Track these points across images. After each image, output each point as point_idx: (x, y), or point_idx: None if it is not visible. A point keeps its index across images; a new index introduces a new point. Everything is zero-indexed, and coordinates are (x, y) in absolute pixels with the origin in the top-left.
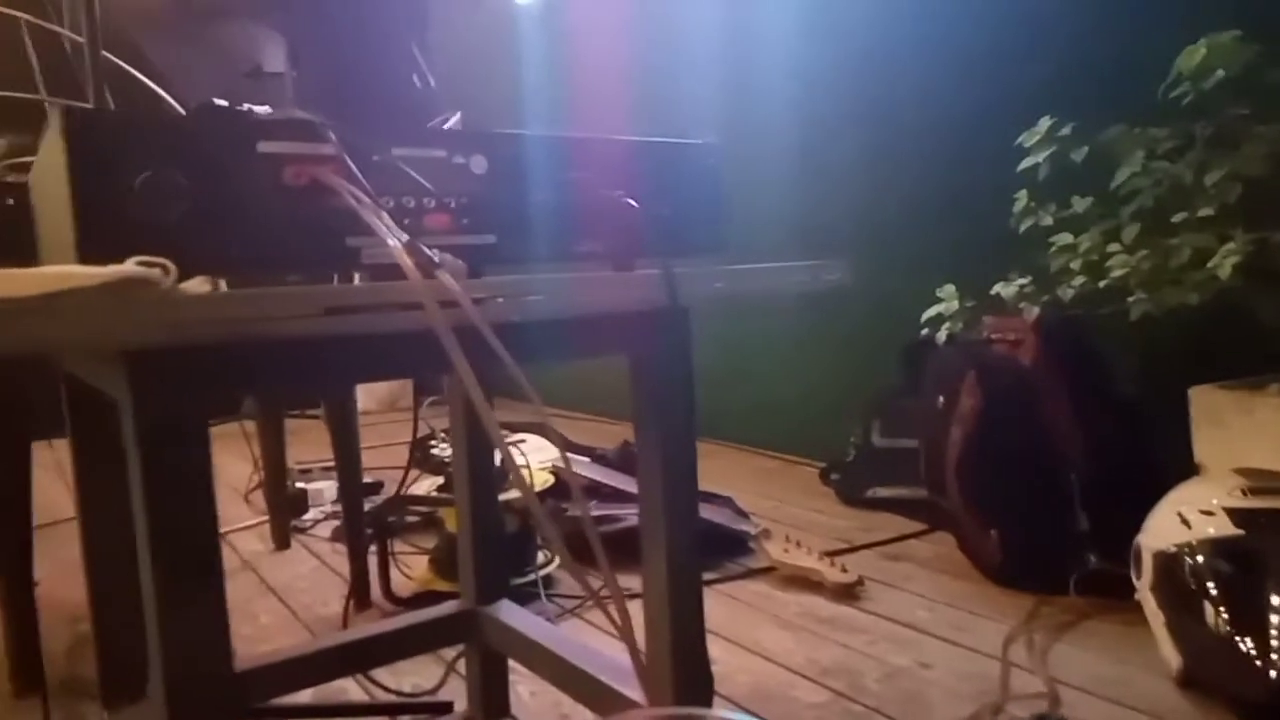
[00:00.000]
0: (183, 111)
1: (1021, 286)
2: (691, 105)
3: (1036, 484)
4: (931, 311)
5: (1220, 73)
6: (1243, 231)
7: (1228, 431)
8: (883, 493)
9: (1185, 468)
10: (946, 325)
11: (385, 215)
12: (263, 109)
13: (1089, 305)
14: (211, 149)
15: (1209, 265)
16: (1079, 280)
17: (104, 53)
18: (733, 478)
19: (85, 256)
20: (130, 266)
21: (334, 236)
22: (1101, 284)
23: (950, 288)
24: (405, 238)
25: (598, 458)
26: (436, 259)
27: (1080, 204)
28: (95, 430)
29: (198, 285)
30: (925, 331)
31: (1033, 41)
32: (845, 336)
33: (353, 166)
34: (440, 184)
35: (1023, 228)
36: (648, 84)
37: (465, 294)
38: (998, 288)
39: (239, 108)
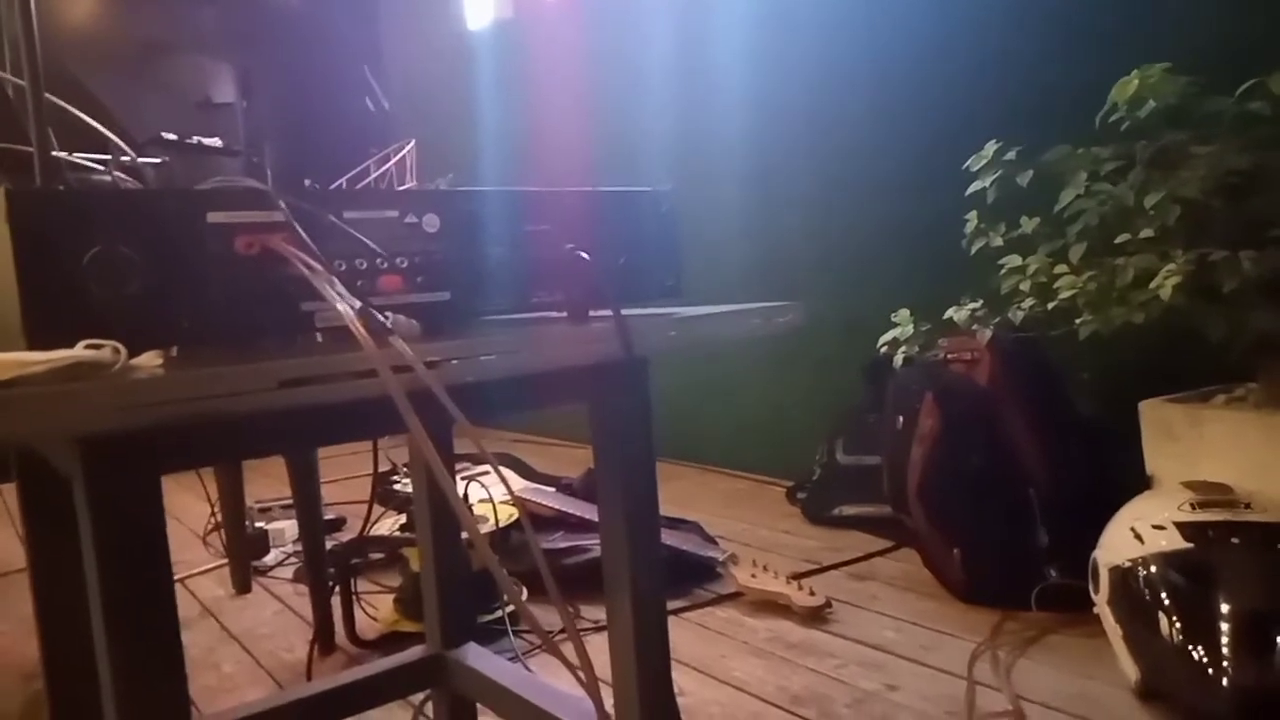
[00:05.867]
0: (133, 155)
1: (973, 310)
2: (644, 129)
3: (997, 502)
4: (887, 336)
5: (1152, 103)
6: (1182, 252)
7: (1178, 445)
8: (849, 511)
9: (1140, 481)
10: (902, 349)
11: (336, 282)
12: (212, 141)
13: (1039, 327)
14: (160, 222)
15: (1151, 286)
16: (1028, 302)
17: (49, 96)
18: (701, 500)
19: (34, 339)
20: (79, 350)
21: (288, 303)
22: (1050, 305)
23: (905, 312)
24: (357, 304)
25: (563, 487)
26: (389, 322)
27: (1028, 224)
28: (45, 486)
29: (151, 359)
30: (884, 350)
31: (980, 67)
32: (811, 357)
33: (302, 233)
34: (393, 244)
35: (974, 249)
36: (600, 108)
37: (418, 359)
38: (950, 312)
39: (188, 140)
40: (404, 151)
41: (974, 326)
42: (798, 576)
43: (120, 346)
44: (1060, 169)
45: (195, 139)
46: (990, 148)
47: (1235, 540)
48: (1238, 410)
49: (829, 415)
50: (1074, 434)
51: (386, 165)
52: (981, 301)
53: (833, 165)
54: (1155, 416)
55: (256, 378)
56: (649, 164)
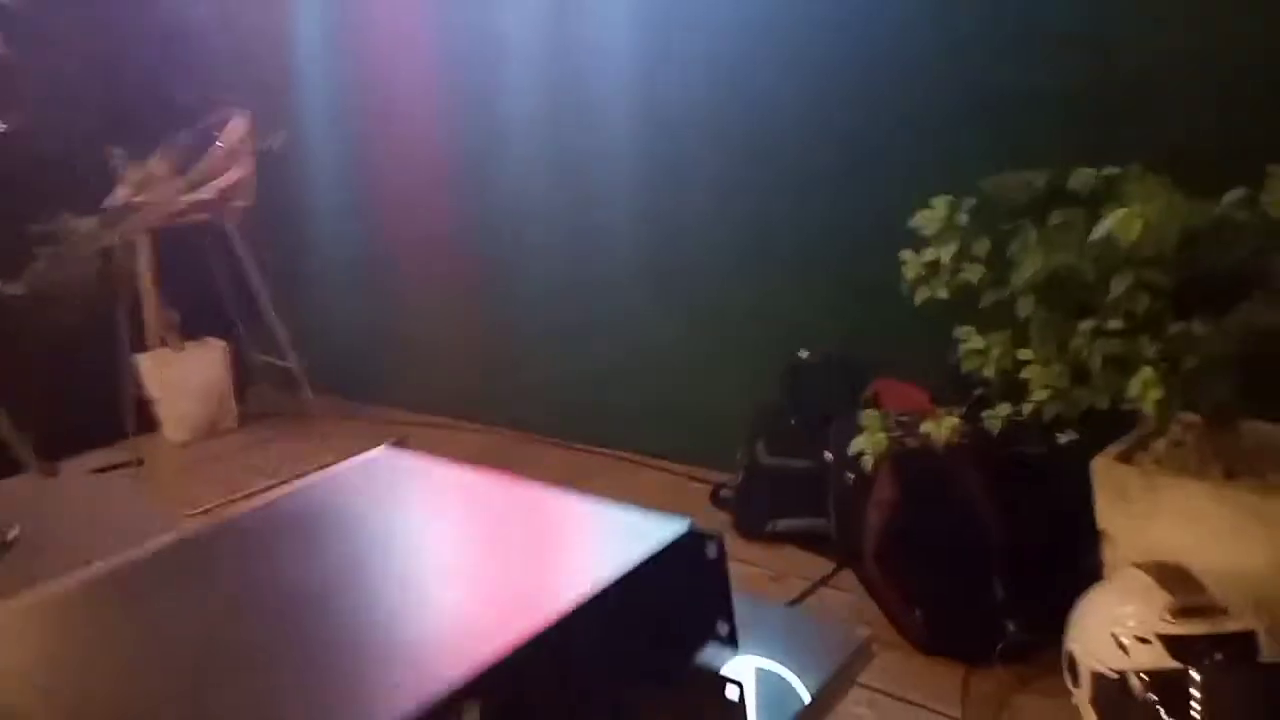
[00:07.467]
0: None
1: (952, 428)
2: (504, 68)
3: (956, 559)
4: (855, 447)
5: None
6: (1149, 339)
7: (1132, 506)
8: (782, 525)
9: (1093, 529)
10: (868, 458)
11: None
12: None
13: (1016, 432)
14: None
15: (1131, 394)
16: (1004, 409)
17: None
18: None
19: None
20: None
21: None
22: (1025, 411)
23: (873, 414)
24: None
25: None
26: None
27: (972, 271)
28: None
29: None
30: (804, 355)
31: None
32: (731, 346)
33: None
34: None
35: (918, 300)
36: (456, 68)
37: None
38: (926, 427)
39: None
40: (230, 123)
41: (949, 439)
42: None
43: None
44: (1001, 202)
45: None
46: (940, 204)
47: (1219, 655)
48: (1192, 480)
49: (748, 409)
50: (1028, 482)
51: (215, 143)
52: (960, 415)
53: (750, 150)
54: (1109, 476)
55: None
56: (508, 107)
